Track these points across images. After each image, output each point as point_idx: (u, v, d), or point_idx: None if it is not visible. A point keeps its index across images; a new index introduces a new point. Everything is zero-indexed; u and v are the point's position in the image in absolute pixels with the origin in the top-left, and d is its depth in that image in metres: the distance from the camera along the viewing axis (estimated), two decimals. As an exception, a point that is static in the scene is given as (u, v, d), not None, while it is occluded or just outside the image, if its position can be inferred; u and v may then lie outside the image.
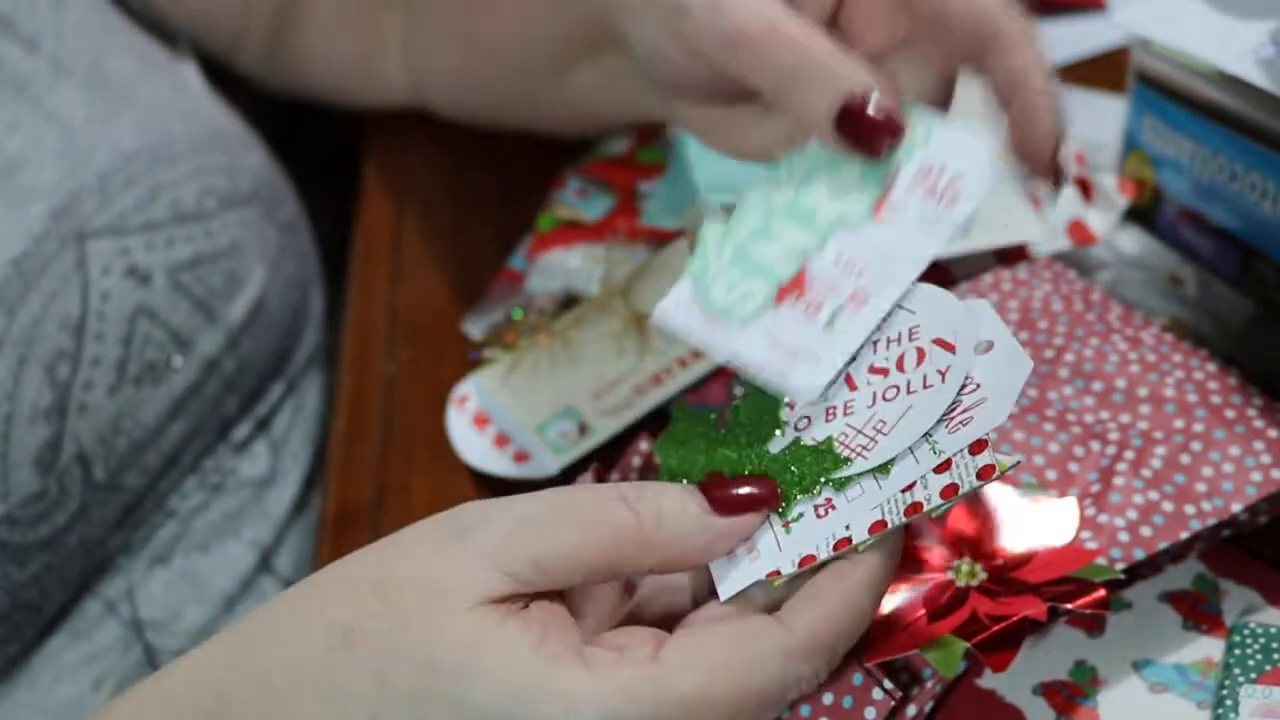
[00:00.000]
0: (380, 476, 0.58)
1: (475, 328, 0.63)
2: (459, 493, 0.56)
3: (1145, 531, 0.44)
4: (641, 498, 0.37)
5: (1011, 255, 0.59)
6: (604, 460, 0.53)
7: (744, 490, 0.38)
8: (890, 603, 0.42)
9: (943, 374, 0.37)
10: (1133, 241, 0.62)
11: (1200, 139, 0.56)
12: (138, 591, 0.60)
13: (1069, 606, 0.41)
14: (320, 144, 0.86)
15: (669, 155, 0.69)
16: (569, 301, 0.62)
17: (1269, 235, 0.55)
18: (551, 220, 0.66)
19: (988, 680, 0.45)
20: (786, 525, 0.38)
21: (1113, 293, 0.57)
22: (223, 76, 0.74)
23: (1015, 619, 0.40)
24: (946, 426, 0.36)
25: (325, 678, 0.36)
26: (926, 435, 0.36)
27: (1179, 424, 0.48)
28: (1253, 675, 0.43)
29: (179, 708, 0.37)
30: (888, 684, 0.41)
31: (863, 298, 0.38)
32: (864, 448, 0.38)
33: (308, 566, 0.64)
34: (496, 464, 0.55)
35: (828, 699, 0.41)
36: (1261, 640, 0.44)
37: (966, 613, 0.41)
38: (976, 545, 0.44)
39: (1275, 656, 0.44)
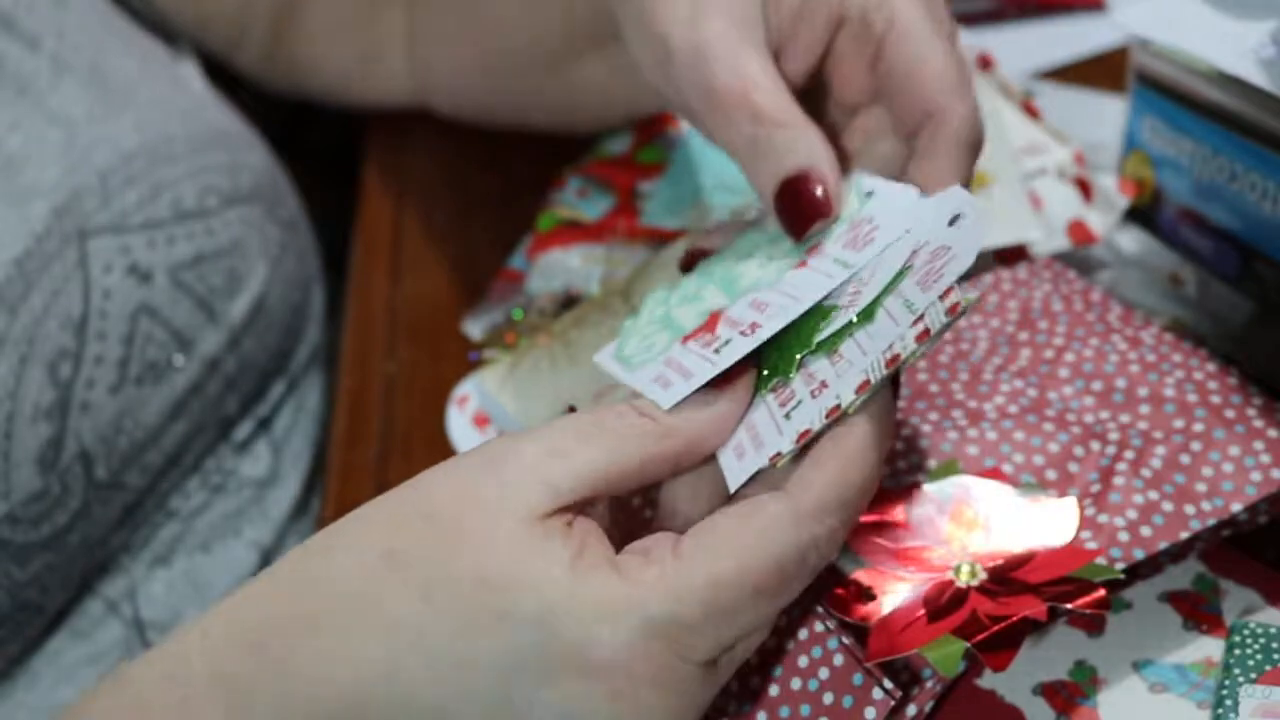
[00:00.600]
0: (380, 477, 0.58)
1: (475, 328, 0.63)
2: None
3: (1145, 531, 0.44)
4: (650, 404, 0.40)
5: (1011, 255, 0.59)
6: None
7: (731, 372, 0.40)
8: (890, 603, 0.42)
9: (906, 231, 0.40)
10: (1133, 241, 0.62)
11: (1200, 139, 0.56)
12: (139, 591, 0.60)
13: (1069, 606, 0.41)
14: (320, 144, 0.86)
15: (669, 155, 0.69)
16: (569, 301, 0.62)
17: (1269, 235, 0.55)
18: (551, 220, 0.66)
19: (988, 680, 0.45)
20: (786, 413, 0.39)
21: (1113, 293, 0.57)
22: (223, 76, 0.74)
23: (1015, 619, 0.40)
24: (920, 286, 0.38)
25: (371, 600, 0.37)
26: (904, 301, 0.38)
27: (1179, 424, 0.48)
28: (1253, 675, 0.44)
29: (221, 650, 0.37)
30: (888, 684, 0.41)
31: (757, 326, 0.41)
32: (847, 306, 0.40)
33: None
34: (496, 464, 0.55)
35: (828, 699, 0.41)
36: (1261, 640, 0.44)
37: (966, 613, 0.41)
38: (977, 546, 0.44)
39: (1275, 656, 0.44)
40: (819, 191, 0.42)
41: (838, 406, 0.38)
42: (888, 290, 0.39)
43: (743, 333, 0.41)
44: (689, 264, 0.47)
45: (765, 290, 0.42)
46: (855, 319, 0.39)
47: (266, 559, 0.64)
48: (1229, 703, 0.43)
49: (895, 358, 0.38)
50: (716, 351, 0.41)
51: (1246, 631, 0.45)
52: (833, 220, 0.42)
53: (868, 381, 0.38)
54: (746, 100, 0.42)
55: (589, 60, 0.61)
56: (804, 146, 0.42)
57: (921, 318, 0.38)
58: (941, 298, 0.37)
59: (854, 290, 0.40)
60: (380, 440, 0.60)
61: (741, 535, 0.37)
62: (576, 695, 0.36)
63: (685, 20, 0.43)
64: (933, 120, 0.42)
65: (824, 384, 0.39)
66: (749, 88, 0.42)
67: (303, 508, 0.66)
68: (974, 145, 0.43)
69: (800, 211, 0.42)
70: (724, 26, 0.42)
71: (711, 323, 0.43)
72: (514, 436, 0.39)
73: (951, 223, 0.39)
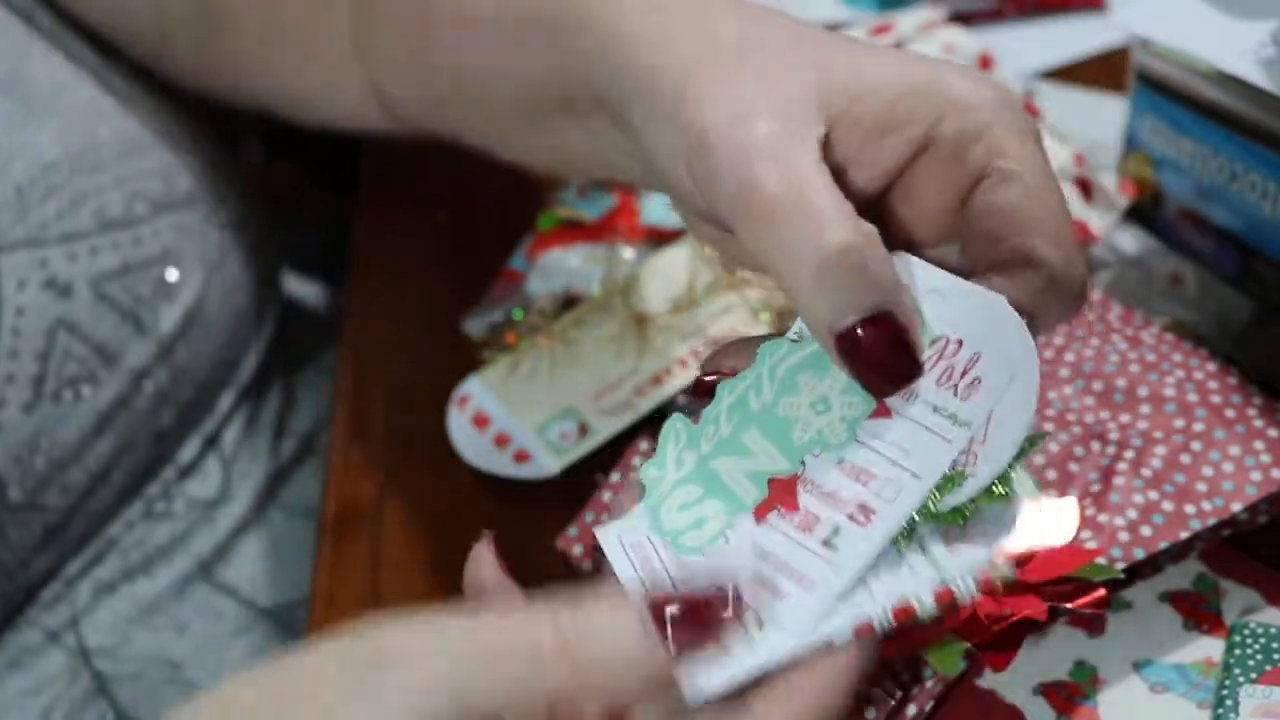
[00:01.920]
0: (380, 476, 0.58)
1: (475, 328, 0.63)
2: (459, 493, 0.56)
3: (1145, 531, 0.44)
4: (575, 620, 0.33)
5: (1011, 255, 0.59)
6: (604, 460, 0.53)
7: (705, 605, 0.32)
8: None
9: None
10: (1133, 241, 0.62)
11: (1200, 139, 0.56)
12: (82, 620, 0.58)
13: (1069, 606, 0.41)
14: (320, 144, 0.86)
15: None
16: (569, 301, 0.62)
17: (1269, 235, 0.55)
18: (551, 220, 0.66)
19: (988, 680, 0.45)
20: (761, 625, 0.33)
21: (1113, 293, 0.57)
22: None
23: (1015, 619, 0.40)
24: (944, 543, 0.33)
25: None
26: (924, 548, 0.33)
27: (1179, 424, 0.48)
28: (1253, 675, 0.43)
29: None
30: (888, 684, 0.41)
31: (869, 511, 0.34)
32: (970, 471, 0.34)
33: (264, 575, 0.62)
34: (497, 464, 0.55)
35: (828, 699, 0.41)
36: (1261, 640, 0.44)
37: (966, 613, 0.41)
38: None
39: (1275, 656, 0.44)
40: (909, 341, 0.34)
41: (911, 608, 0.32)
42: (1016, 461, 0.33)
43: (852, 517, 0.33)
44: (703, 390, 0.38)
45: (852, 449, 0.35)
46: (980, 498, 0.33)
47: (206, 570, 0.61)
48: (1229, 703, 0.43)
49: (908, 611, 0.33)
50: (828, 545, 0.33)
51: (1246, 631, 0.45)
52: (912, 382, 0.35)
53: (870, 625, 0.32)
54: (801, 201, 0.34)
55: (562, 123, 0.48)
56: (887, 278, 0.34)
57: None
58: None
59: (969, 451, 0.34)
60: (380, 440, 0.60)
61: None
62: None
63: (728, 116, 0.36)
64: (1029, 263, 0.36)
65: (865, 508, 0.33)
66: (804, 187, 0.35)
67: (253, 521, 0.63)
68: (1074, 301, 0.37)
69: (881, 365, 0.34)
70: (774, 127, 0.36)
71: (787, 494, 0.35)
72: (406, 634, 0.33)
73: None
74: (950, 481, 0.33)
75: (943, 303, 0.35)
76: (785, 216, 0.34)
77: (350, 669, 0.32)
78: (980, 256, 0.37)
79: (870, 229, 0.35)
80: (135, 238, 0.57)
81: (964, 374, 0.34)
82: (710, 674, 0.32)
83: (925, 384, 0.34)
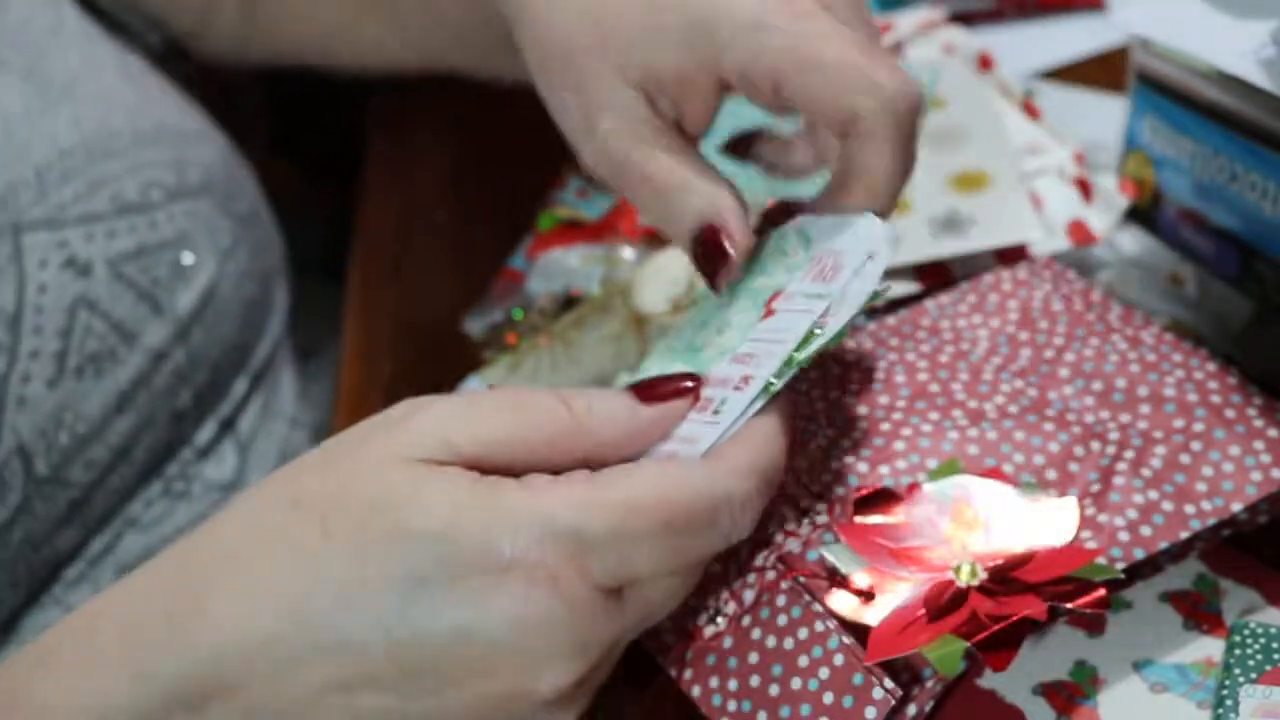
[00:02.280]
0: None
1: (475, 327, 0.63)
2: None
3: (1145, 531, 0.44)
4: (575, 395, 0.40)
5: (1011, 255, 0.59)
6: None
7: (668, 384, 0.42)
8: (890, 602, 0.42)
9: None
10: (1133, 241, 0.62)
11: (1200, 139, 0.57)
12: None
13: (1069, 606, 0.41)
14: (320, 144, 0.86)
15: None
16: (569, 301, 0.62)
17: (1269, 235, 0.55)
18: (551, 220, 0.66)
19: (988, 680, 0.45)
20: (714, 409, 0.41)
21: (1113, 293, 0.57)
22: (217, 81, 0.74)
23: (1015, 619, 0.41)
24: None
25: (275, 540, 0.38)
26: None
27: (1179, 424, 0.48)
28: (1253, 675, 0.44)
29: (147, 586, 0.39)
30: (888, 683, 0.41)
31: (749, 378, 0.41)
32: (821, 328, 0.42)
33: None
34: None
35: (828, 699, 0.41)
36: (1262, 640, 0.44)
37: (966, 613, 0.41)
38: (977, 545, 0.44)
39: (1275, 656, 0.44)
40: (723, 240, 0.44)
41: (767, 387, 0.41)
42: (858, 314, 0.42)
43: (736, 388, 0.41)
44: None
45: (743, 346, 0.43)
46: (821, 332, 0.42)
47: None
48: (1229, 703, 0.43)
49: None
50: (716, 413, 0.41)
51: (1247, 631, 0.45)
52: (739, 262, 0.45)
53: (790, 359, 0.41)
54: (645, 179, 0.46)
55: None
56: (696, 202, 0.45)
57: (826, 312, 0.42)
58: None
59: (824, 315, 0.42)
60: (380, 440, 0.60)
61: (659, 472, 0.38)
62: (475, 600, 0.36)
63: (581, 126, 0.47)
64: (855, 124, 0.43)
65: (746, 380, 0.41)
66: (643, 168, 0.46)
67: None
68: (903, 128, 0.43)
69: (710, 260, 0.45)
70: (614, 123, 0.46)
71: (695, 394, 0.43)
72: (430, 397, 0.40)
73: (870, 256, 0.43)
74: (807, 339, 0.41)
75: (823, 230, 0.45)
76: (640, 189, 0.46)
77: (378, 421, 0.40)
78: (834, 131, 0.45)
79: (687, 174, 0.45)
80: (151, 222, 0.59)
81: (831, 268, 0.43)
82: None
83: (801, 286, 0.43)
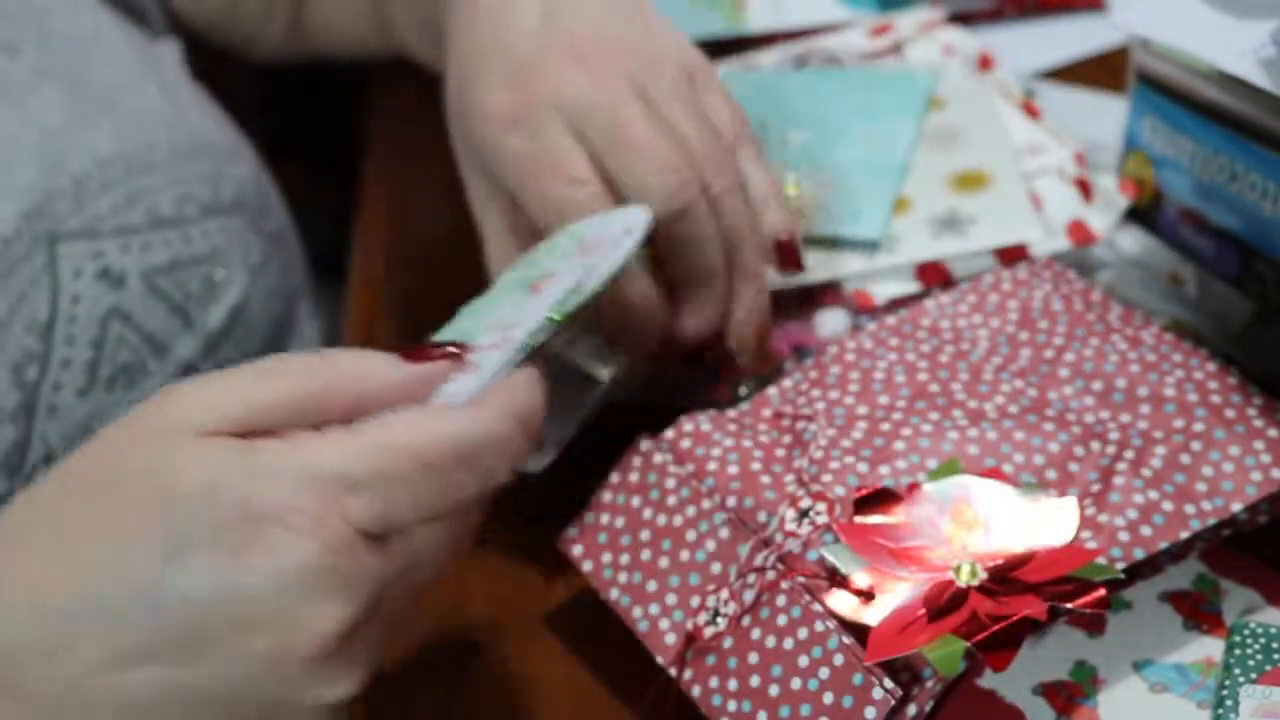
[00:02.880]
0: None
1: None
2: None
3: (1145, 531, 0.44)
4: (339, 353, 0.41)
5: (1011, 255, 0.59)
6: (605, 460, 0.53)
7: (433, 348, 0.42)
8: (890, 602, 0.42)
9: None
10: (1133, 241, 0.62)
11: (1200, 139, 0.57)
12: None
13: (1069, 606, 0.41)
14: (320, 144, 0.86)
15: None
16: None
17: (1269, 235, 0.55)
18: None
19: (988, 680, 0.45)
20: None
21: (1113, 293, 0.57)
22: (219, 83, 0.74)
23: (1015, 618, 0.40)
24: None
25: (48, 517, 0.38)
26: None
27: (1179, 424, 0.48)
28: (1253, 675, 0.44)
29: None
30: (888, 683, 0.41)
31: (509, 338, 0.43)
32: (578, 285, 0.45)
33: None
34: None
35: (828, 698, 0.41)
36: (1262, 640, 0.44)
37: (966, 612, 0.41)
38: (977, 545, 0.44)
39: (1275, 656, 0.44)
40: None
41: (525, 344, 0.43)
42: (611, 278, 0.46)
43: (496, 346, 0.43)
44: None
45: (509, 316, 0.45)
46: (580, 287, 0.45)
47: None
48: (1229, 703, 0.43)
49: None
50: (477, 369, 0.42)
51: (1247, 631, 0.45)
52: None
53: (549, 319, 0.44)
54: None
55: None
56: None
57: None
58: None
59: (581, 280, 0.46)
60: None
61: (418, 415, 0.39)
62: (236, 556, 0.36)
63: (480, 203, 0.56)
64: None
65: (506, 338, 0.43)
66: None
67: None
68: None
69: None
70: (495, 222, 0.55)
71: (459, 358, 0.44)
72: (187, 383, 0.40)
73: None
74: (565, 299, 0.44)
75: (591, 225, 0.49)
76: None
77: (143, 407, 0.39)
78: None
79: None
80: (185, 236, 0.60)
81: (592, 246, 0.47)
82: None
83: (565, 265, 0.47)
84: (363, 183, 0.76)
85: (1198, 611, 0.47)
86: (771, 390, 0.52)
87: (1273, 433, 0.47)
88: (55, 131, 0.57)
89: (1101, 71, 0.74)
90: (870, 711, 0.40)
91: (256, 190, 0.66)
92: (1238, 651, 0.44)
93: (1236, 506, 0.45)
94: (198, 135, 0.63)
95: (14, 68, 0.57)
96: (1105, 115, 0.67)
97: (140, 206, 0.58)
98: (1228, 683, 0.44)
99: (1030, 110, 0.66)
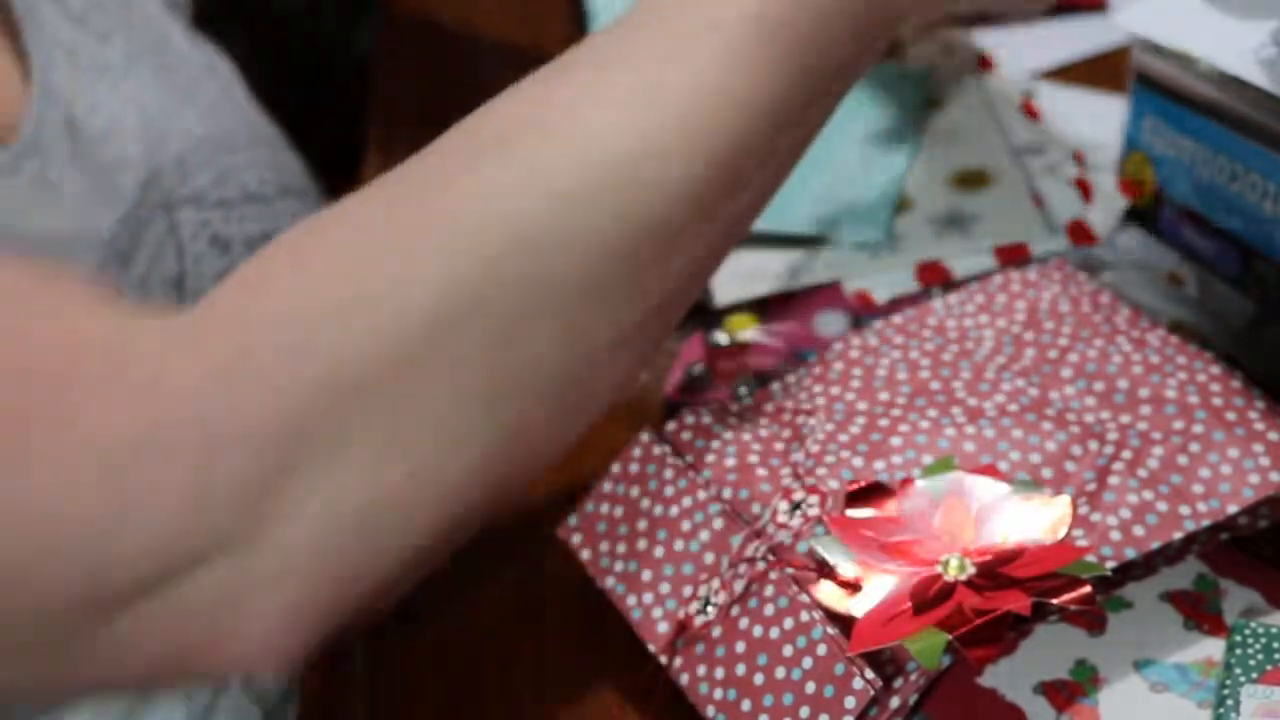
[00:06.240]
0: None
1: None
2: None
3: (1138, 531, 0.44)
4: None
5: (1012, 254, 0.59)
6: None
7: None
8: (876, 595, 0.42)
9: None
10: (1133, 241, 0.62)
11: (1200, 139, 0.56)
12: None
13: (1054, 601, 0.41)
14: (320, 144, 0.86)
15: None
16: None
17: (1269, 235, 0.55)
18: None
19: (988, 679, 0.45)
20: None
21: (1113, 293, 0.56)
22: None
23: (998, 613, 0.40)
24: None
25: None
26: None
27: (1179, 425, 0.48)
28: (1254, 675, 0.43)
29: None
30: (868, 674, 0.41)
31: None
32: None
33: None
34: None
35: (810, 688, 0.41)
36: (1262, 640, 0.44)
37: (951, 606, 0.41)
38: (968, 541, 0.44)
39: (1276, 656, 0.44)
40: None
41: None
42: None
43: None
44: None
45: None
46: None
47: None
48: (1230, 702, 0.43)
49: None
50: None
51: (1247, 631, 0.45)
52: None
53: None
54: None
55: None
56: None
57: None
58: None
59: None
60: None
61: None
62: None
63: None
64: None
65: None
66: None
67: None
68: None
69: None
70: None
71: None
72: None
73: None
74: None
75: None
76: None
77: None
78: None
79: None
80: (272, 212, 0.64)
81: None
82: None
83: None
84: (363, 183, 0.76)
85: (1198, 611, 0.47)
86: (774, 385, 0.52)
87: (1273, 436, 0.47)
88: (152, 113, 0.60)
89: (1101, 71, 0.74)
90: (850, 701, 0.40)
91: (306, 178, 0.70)
92: (1238, 651, 0.44)
93: (1232, 509, 0.45)
94: (256, 124, 0.67)
95: (109, 52, 0.60)
96: (1105, 115, 0.67)
97: (233, 182, 0.62)
98: (1228, 682, 0.43)
99: (1030, 110, 0.66)
